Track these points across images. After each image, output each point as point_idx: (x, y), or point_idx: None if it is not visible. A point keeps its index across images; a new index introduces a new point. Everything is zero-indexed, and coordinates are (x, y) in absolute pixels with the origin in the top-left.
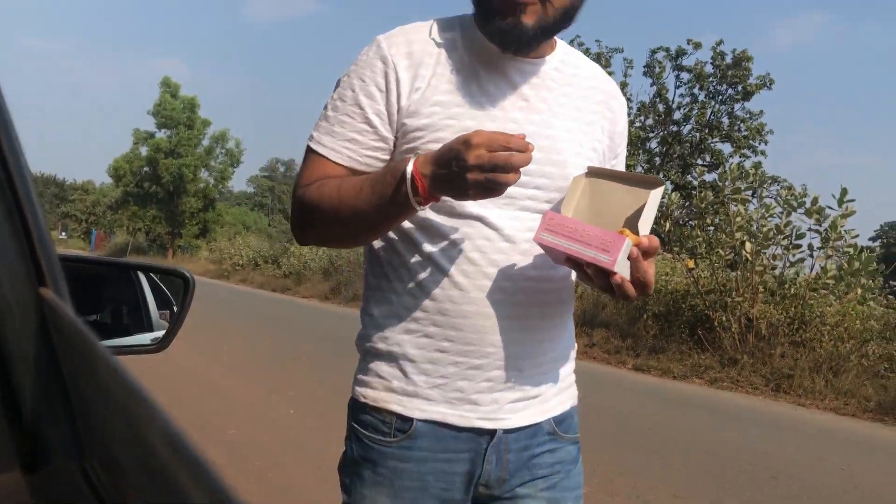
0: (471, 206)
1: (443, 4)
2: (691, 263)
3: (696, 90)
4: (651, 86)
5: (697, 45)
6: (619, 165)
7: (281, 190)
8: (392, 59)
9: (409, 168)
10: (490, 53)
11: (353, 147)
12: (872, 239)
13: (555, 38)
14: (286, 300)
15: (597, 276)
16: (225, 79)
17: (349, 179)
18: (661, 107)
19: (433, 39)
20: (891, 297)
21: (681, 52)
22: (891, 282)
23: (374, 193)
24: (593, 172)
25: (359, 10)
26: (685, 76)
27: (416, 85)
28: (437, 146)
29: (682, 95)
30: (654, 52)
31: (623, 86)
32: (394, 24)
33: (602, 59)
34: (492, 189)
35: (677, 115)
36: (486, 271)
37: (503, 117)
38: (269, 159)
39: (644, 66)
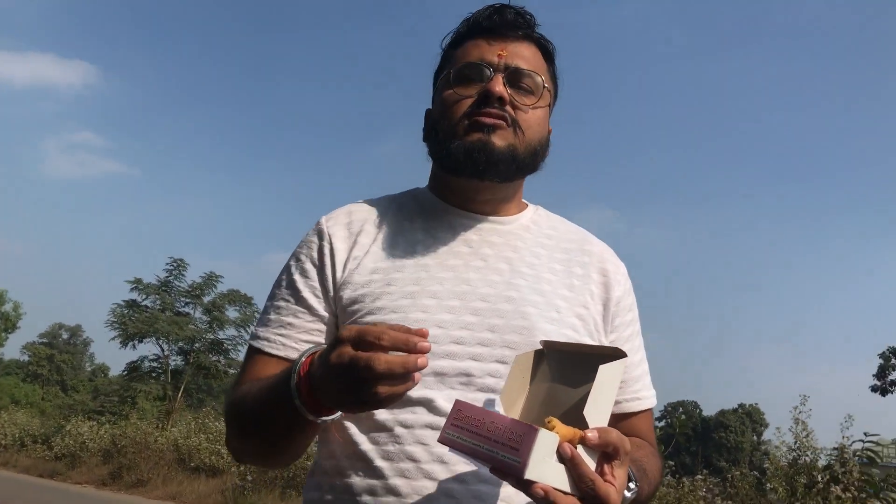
0: (416, 385)
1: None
2: None
3: None
4: None
5: None
6: (623, 343)
7: (62, 359)
8: (328, 231)
9: (298, 363)
10: (442, 213)
11: (288, 332)
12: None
13: (523, 200)
14: (55, 487)
15: (518, 485)
16: (7, 235)
17: (262, 379)
18: None
19: (377, 208)
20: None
21: None
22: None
23: (268, 396)
24: (550, 346)
25: (160, 173)
26: None
27: (353, 254)
28: (375, 319)
29: None
30: None
31: None
32: (194, 186)
33: None
34: (363, 402)
35: None
36: (428, 470)
37: (453, 279)
38: (52, 324)
39: None
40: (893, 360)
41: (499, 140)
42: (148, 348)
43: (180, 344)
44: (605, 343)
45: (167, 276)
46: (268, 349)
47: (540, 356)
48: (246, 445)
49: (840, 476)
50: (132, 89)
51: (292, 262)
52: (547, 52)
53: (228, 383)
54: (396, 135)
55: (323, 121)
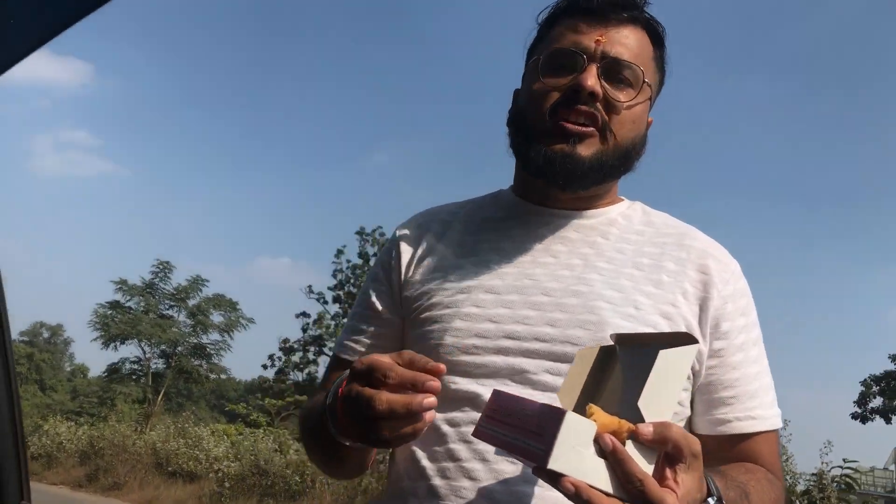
0: (467, 381)
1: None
2: None
3: None
4: None
5: None
6: (734, 353)
7: (41, 358)
8: (398, 237)
9: (337, 384)
10: (519, 210)
11: (358, 338)
12: None
13: (617, 194)
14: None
15: (550, 479)
16: None
17: (319, 394)
18: None
19: (451, 210)
20: None
21: None
22: None
23: (315, 415)
24: (622, 340)
25: (152, 173)
26: None
27: (417, 255)
28: (430, 315)
29: None
30: None
31: None
32: (185, 188)
33: None
34: (371, 440)
35: None
36: (469, 469)
37: (516, 273)
38: (33, 323)
39: None
40: (874, 388)
41: (585, 150)
42: (130, 350)
43: (162, 347)
44: (704, 348)
45: (152, 278)
46: (343, 355)
47: (611, 353)
48: (312, 458)
49: (818, 502)
50: (127, 88)
51: (369, 274)
52: (656, 36)
53: (210, 388)
54: (391, 145)
55: (320, 124)
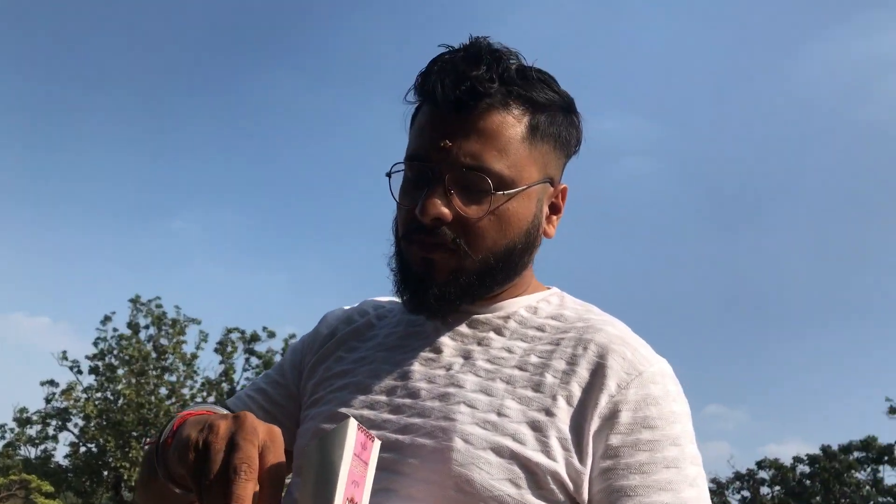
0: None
1: None
2: None
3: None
4: (220, 363)
5: (272, 334)
6: (628, 477)
7: None
8: (323, 318)
9: (170, 425)
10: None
11: (252, 394)
12: None
13: (524, 281)
14: None
15: None
16: None
17: None
18: (225, 386)
19: (379, 302)
20: None
21: (255, 338)
22: None
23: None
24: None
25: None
26: (255, 361)
27: (329, 343)
28: (310, 412)
29: (248, 380)
30: (229, 331)
31: (193, 357)
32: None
33: (177, 326)
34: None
35: None
36: None
37: (392, 373)
38: None
39: (217, 343)
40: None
41: (439, 276)
42: None
43: None
44: (584, 469)
45: None
46: (230, 404)
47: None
48: None
49: None
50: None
51: (295, 342)
52: (534, 104)
53: None
54: (192, 211)
55: (119, 171)
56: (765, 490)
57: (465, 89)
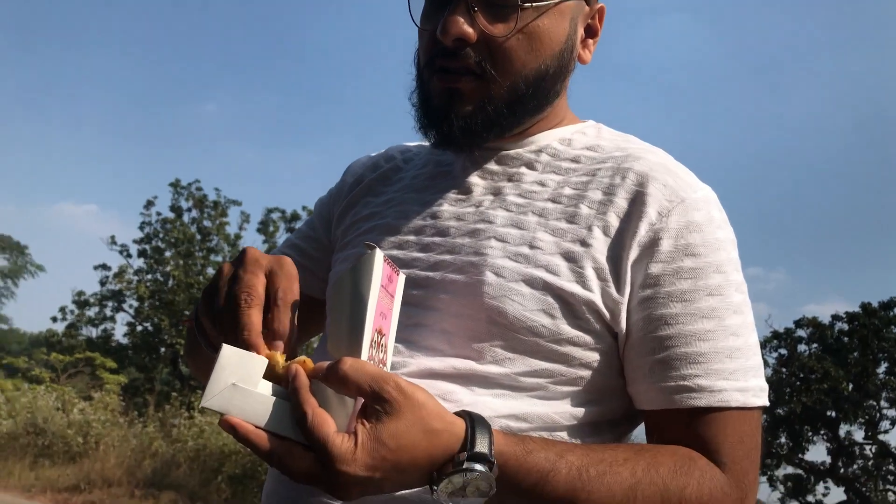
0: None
1: None
2: None
3: None
4: (263, 242)
5: (311, 213)
6: (667, 305)
7: None
8: (348, 168)
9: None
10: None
11: (287, 250)
12: None
13: (557, 112)
14: None
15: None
16: None
17: None
18: None
19: (406, 146)
20: None
21: (295, 216)
22: None
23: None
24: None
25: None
26: None
27: (357, 190)
28: (340, 254)
29: None
30: (269, 211)
31: (237, 238)
32: None
33: (219, 208)
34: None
35: None
36: None
37: (419, 212)
38: None
39: (259, 223)
40: None
41: (467, 105)
42: None
43: None
44: (622, 298)
45: None
46: None
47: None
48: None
49: None
50: None
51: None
52: None
53: None
54: (223, 94)
55: (147, 60)
56: (802, 348)
57: None
